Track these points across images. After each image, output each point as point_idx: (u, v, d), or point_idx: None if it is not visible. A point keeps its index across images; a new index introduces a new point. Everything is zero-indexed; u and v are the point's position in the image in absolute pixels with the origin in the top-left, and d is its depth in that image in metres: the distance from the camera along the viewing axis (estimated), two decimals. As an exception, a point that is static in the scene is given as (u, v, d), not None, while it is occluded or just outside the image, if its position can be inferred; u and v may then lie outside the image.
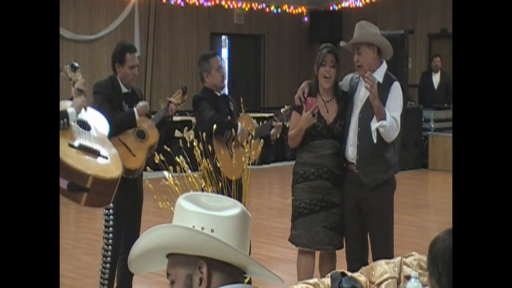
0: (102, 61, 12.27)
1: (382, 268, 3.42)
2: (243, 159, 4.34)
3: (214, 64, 5.24)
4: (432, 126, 12.40)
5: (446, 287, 1.90)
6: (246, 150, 4.30)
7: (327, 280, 3.33)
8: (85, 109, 4.49)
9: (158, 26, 13.52)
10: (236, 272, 1.89)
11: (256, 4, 14.83)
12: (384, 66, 4.72)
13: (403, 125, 4.87)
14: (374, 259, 4.28)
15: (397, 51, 7.12)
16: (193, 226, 1.84)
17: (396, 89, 4.66)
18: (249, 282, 2.35)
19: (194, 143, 4.10)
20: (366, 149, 4.63)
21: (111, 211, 4.85)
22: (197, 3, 13.88)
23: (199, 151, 4.06)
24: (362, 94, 4.71)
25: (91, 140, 4.36)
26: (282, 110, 5.29)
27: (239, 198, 4.24)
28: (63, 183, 4.00)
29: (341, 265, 4.73)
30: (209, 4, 14.07)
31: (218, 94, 5.31)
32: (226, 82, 14.27)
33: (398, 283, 3.39)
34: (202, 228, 1.84)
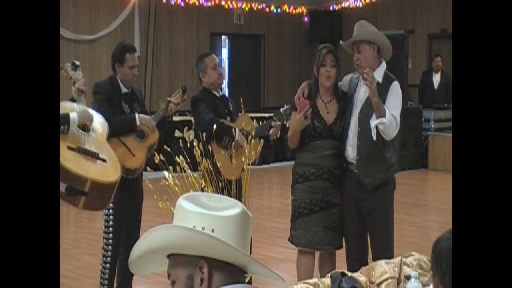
0: (102, 61, 12.26)
1: (382, 268, 3.42)
2: (243, 159, 4.34)
3: (209, 63, 5.18)
4: (432, 126, 12.40)
5: (450, 286, 1.90)
6: (246, 150, 4.30)
7: (327, 280, 3.33)
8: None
9: (158, 26, 13.51)
10: (237, 272, 1.89)
11: (256, 4, 14.82)
12: (383, 66, 4.72)
13: (403, 125, 4.88)
14: (374, 259, 4.28)
15: (397, 51, 7.13)
16: (194, 226, 1.84)
17: (395, 88, 4.67)
18: (250, 282, 2.35)
19: (194, 143, 4.09)
20: (366, 149, 4.64)
21: (111, 211, 4.85)
22: (197, 3, 13.87)
23: (199, 151, 4.05)
24: (361, 94, 4.71)
25: (90, 142, 4.35)
26: (281, 109, 5.27)
27: (239, 198, 4.23)
28: (62, 187, 3.99)
29: (341, 265, 4.73)
30: (209, 4, 14.06)
31: (217, 94, 5.24)
32: (226, 82, 14.27)
33: (398, 283, 3.38)
34: (203, 228, 1.84)
